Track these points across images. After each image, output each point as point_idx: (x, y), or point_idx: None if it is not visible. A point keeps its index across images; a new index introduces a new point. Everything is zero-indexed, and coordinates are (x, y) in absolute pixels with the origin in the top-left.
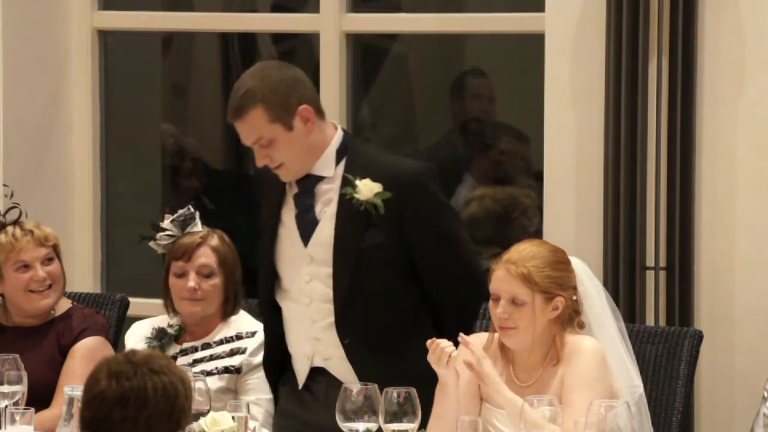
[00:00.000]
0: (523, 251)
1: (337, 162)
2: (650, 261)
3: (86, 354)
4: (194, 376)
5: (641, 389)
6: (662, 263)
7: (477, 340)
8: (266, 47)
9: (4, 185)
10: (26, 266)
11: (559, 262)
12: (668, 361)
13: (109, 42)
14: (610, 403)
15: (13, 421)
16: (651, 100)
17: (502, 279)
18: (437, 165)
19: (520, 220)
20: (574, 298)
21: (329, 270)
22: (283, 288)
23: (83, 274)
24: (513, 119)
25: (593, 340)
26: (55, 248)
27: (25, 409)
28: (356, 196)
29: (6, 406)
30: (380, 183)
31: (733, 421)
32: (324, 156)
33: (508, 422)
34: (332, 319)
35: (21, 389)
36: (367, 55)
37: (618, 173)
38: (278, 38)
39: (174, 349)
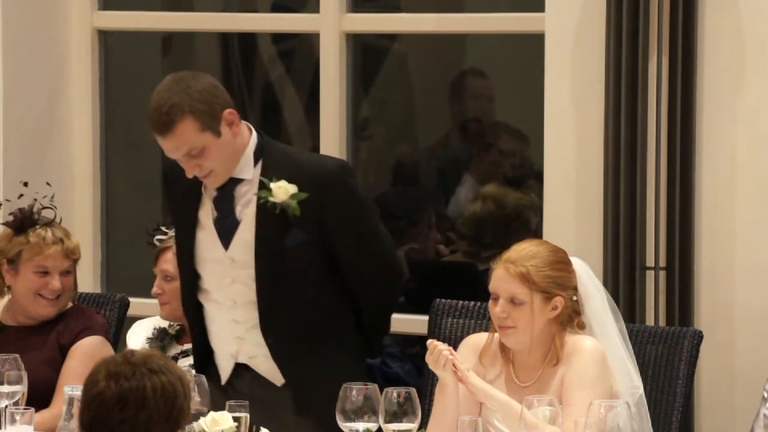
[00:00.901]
0: (522, 251)
1: (255, 163)
2: (650, 261)
3: (86, 353)
4: (195, 377)
5: (641, 390)
6: (662, 263)
7: (477, 339)
8: (266, 47)
9: (47, 184)
10: (46, 272)
11: (559, 262)
12: (668, 361)
13: (109, 42)
14: (610, 403)
15: (13, 421)
16: (651, 100)
17: (501, 278)
18: (437, 165)
19: (520, 220)
20: (574, 298)
21: (251, 272)
22: (204, 289)
23: (83, 274)
24: (513, 119)
25: (593, 340)
26: (76, 262)
27: (25, 409)
28: (271, 199)
29: (6, 406)
30: (298, 182)
31: (733, 421)
32: (243, 158)
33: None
34: (256, 321)
35: (21, 389)
36: (367, 55)
37: (618, 173)
38: (278, 38)
39: (175, 349)
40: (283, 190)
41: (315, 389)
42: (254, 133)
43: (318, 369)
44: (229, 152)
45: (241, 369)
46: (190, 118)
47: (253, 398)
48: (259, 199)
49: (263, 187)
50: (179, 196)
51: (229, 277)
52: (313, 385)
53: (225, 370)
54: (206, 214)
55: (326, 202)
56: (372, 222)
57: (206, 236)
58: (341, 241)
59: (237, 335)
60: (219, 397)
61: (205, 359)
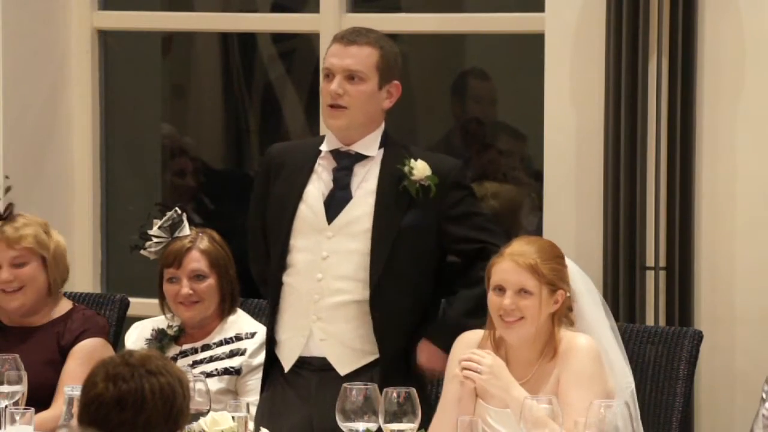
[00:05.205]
0: (525, 245)
1: (379, 147)
2: (650, 261)
3: (86, 355)
4: (195, 377)
5: (633, 386)
6: (662, 263)
7: (472, 336)
8: (266, 47)
9: (6, 177)
10: None
11: (558, 256)
12: (668, 361)
13: (109, 42)
14: (610, 403)
15: (13, 421)
16: (651, 100)
17: (509, 270)
18: None
19: (519, 219)
20: (568, 294)
21: (350, 246)
22: (291, 264)
23: (83, 274)
24: (513, 119)
25: (588, 337)
26: (32, 252)
27: (25, 409)
28: (413, 171)
29: (6, 406)
30: None
31: (733, 421)
32: (370, 136)
33: (501, 420)
34: (343, 297)
35: (21, 389)
36: None
37: (618, 173)
38: (278, 38)
39: (174, 350)
40: (422, 167)
41: (395, 374)
42: (384, 124)
43: (405, 356)
44: (370, 109)
45: (303, 369)
46: (378, 51)
47: (317, 398)
48: (399, 169)
49: (403, 159)
50: (283, 173)
51: (324, 251)
52: (396, 370)
53: (289, 361)
54: (315, 189)
55: (445, 195)
56: (488, 213)
57: (309, 210)
58: (460, 230)
59: (314, 313)
60: (281, 395)
61: (272, 352)
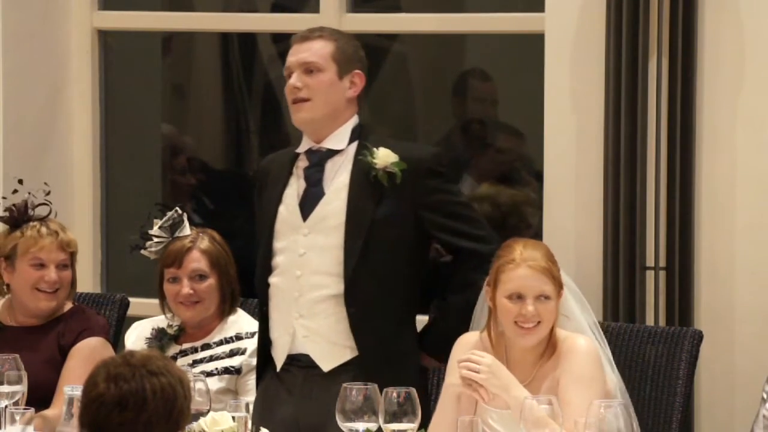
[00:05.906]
0: (531, 249)
1: (350, 141)
2: (650, 261)
3: (86, 354)
4: (195, 377)
5: (615, 382)
6: (662, 263)
7: (471, 338)
8: (266, 47)
9: (45, 183)
10: (41, 265)
11: (553, 256)
12: (668, 361)
13: (109, 42)
14: (609, 402)
15: (13, 421)
16: (651, 100)
17: (528, 277)
18: None
19: (520, 220)
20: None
21: (326, 241)
22: (274, 265)
23: (83, 274)
24: (513, 119)
25: (587, 338)
26: (73, 256)
27: (25, 409)
28: (374, 160)
29: (6, 406)
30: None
31: (733, 421)
32: (340, 130)
33: (503, 421)
34: (321, 292)
35: (21, 389)
36: (367, 55)
37: (618, 173)
38: (278, 38)
39: (174, 349)
40: (385, 154)
41: (380, 367)
42: (356, 116)
43: (389, 349)
44: (333, 98)
45: (292, 366)
46: (333, 43)
47: (302, 395)
48: (360, 159)
49: (365, 148)
50: (269, 182)
51: (302, 248)
52: (380, 363)
53: (280, 359)
54: (292, 190)
55: (419, 183)
56: (465, 200)
57: (286, 210)
58: (435, 216)
59: (296, 310)
60: (273, 392)
61: (265, 352)
